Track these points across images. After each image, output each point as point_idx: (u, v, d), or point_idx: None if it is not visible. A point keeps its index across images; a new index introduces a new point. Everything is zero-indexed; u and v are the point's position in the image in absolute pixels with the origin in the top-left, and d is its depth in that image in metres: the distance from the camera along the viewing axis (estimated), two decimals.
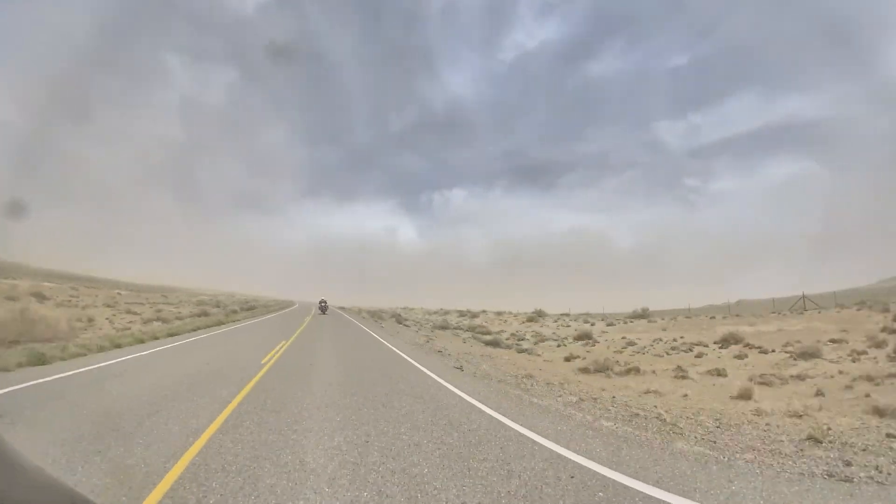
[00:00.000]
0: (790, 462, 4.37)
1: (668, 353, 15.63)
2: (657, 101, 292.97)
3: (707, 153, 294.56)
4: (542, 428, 5.46)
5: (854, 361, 11.75)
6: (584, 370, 11.11)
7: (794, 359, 12.69)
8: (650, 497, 3.47)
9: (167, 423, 5.30)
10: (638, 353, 16.10)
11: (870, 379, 8.87)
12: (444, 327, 30.46)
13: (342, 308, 70.79)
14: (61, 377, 8.13)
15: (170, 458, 4.13)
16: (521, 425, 5.55)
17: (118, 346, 12.98)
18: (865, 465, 4.22)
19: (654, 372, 11.21)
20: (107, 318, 22.60)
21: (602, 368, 10.99)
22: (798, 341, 15.59)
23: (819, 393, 8.02)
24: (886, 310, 23.12)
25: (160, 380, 8.03)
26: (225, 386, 7.60)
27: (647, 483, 3.75)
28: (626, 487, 3.65)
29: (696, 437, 5.23)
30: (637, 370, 11.07)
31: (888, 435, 5.15)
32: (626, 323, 32.97)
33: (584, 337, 21.74)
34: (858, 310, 25.88)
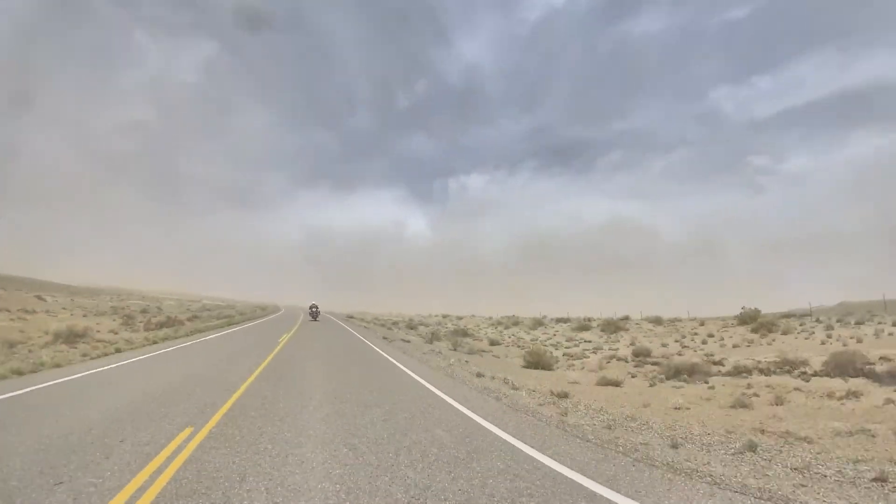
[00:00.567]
0: None
1: None
2: (712, 64, 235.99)
3: (774, 126, 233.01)
4: None
5: None
6: None
7: None
8: None
9: None
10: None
11: None
12: (494, 343, 23.89)
13: (350, 317, 55.87)
14: None
15: None
16: None
17: None
18: None
19: None
20: None
21: None
22: None
23: None
24: None
25: None
26: None
27: None
28: None
29: None
30: None
31: None
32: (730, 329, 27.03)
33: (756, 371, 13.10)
34: None
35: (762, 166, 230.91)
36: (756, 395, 9.21)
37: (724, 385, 10.82)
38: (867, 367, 11.62)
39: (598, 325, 35.48)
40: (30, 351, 12.78)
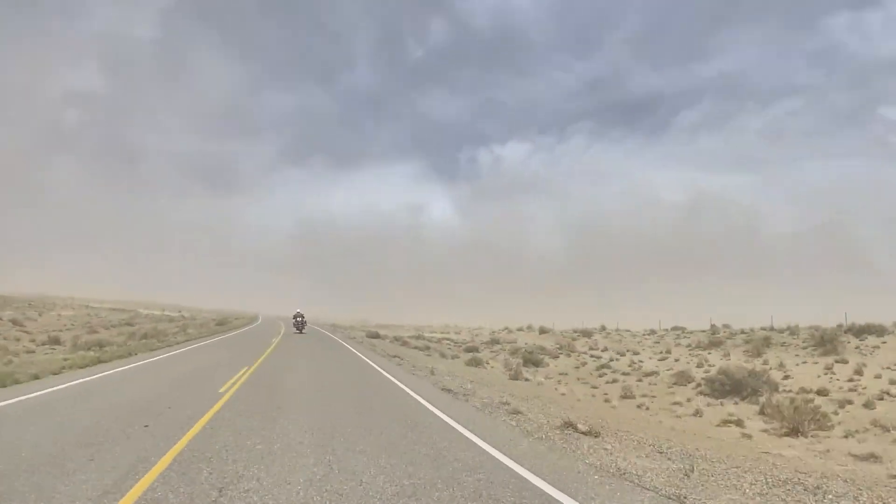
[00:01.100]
0: None
1: None
2: None
3: None
4: None
5: None
6: None
7: None
8: None
9: None
10: None
11: None
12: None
13: (364, 337, 34.51)
14: None
15: None
16: None
17: None
18: None
19: None
20: None
21: None
22: None
23: None
24: None
25: None
26: None
27: None
28: None
29: None
30: None
31: None
32: None
33: None
34: None
35: None
36: None
37: None
38: None
39: (801, 340, 25.19)
40: None
